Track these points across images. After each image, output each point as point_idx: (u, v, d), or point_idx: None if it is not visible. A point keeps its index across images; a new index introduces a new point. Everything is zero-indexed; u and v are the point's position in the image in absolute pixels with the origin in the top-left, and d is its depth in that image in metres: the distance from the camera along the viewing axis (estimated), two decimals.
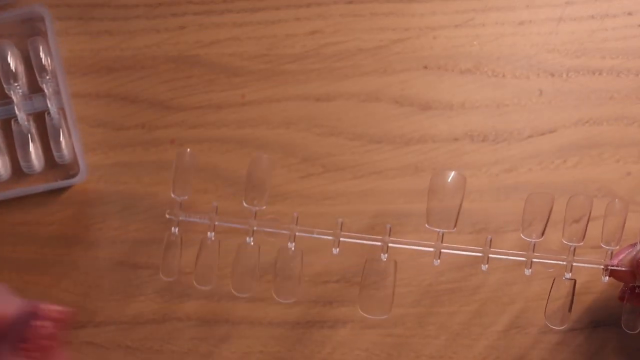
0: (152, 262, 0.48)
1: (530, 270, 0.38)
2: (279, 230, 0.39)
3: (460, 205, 0.38)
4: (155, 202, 0.48)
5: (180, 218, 0.39)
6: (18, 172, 0.48)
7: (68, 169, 0.48)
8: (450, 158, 0.48)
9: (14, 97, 0.47)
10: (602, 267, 0.39)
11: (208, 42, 0.49)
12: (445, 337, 0.47)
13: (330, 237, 0.39)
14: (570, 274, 0.38)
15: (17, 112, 0.47)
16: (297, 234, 0.39)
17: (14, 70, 0.47)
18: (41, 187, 0.47)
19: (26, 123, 0.47)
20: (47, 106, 0.47)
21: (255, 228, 0.39)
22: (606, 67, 0.48)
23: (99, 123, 0.49)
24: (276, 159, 0.48)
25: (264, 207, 0.39)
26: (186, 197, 0.39)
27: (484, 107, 0.48)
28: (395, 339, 0.47)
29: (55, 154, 0.47)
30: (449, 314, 0.47)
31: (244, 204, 0.39)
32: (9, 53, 0.47)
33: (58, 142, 0.47)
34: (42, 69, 0.47)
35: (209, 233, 0.39)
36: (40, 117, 0.48)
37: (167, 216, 0.39)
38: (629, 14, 0.48)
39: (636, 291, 0.40)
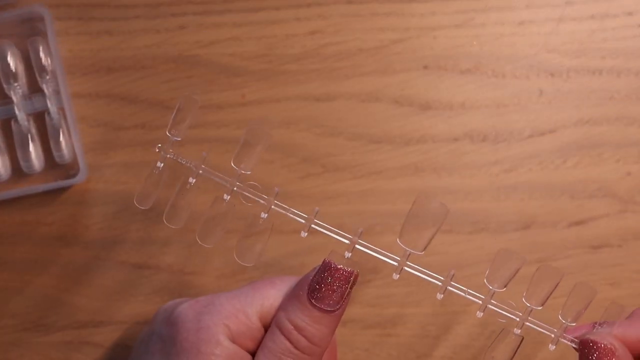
0: (152, 262, 0.48)
1: (482, 313, 0.39)
2: (256, 197, 0.40)
3: (435, 233, 0.38)
4: (155, 202, 0.48)
5: (168, 155, 0.40)
6: (18, 172, 0.48)
7: (68, 169, 0.48)
8: (450, 158, 0.48)
9: (13, 97, 0.47)
10: (552, 335, 0.39)
11: (208, 42, 0.49)
12: (445, 337, 0.47)
13: (302, 221, 0.39)
14: (519, 331, 0.39)
15: (17, 112, 0.47)
16: (272, 207, 0.39)
17: (14, 70, 0.47)
18: (41, 187, 0.47)
19: (26, 123, 0.47)
20: (47, 106, 0.47)
21: (235, 188, 0.40)
22: (606, 67, 0.48)
23: (99, 123, 0.49)
24: (276, 159, 0.48)
25: (249, 172, 0.40)
26: (179, 139, 0.40)
27: (484, 107, 0.48)
28: (395, 339, 0.47)
29: (55, 154, 0.47)
30: (449, 314, 0.47)
31: (232, 163, 0.39)
32: (9, 53, 0.47)
33: (58, 142, 0.47)
34: (42, 69, 0.47)
35: (190, 178, 0.40)
36: (40, 117, 0.48)
37: (157, 150, 0.40)
38: (629, 14, 0.48)
39: None
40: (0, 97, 0.48)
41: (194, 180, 0.40)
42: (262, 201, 0.40)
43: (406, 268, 0.39)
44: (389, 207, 0.48)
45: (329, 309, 0.38)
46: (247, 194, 0.40)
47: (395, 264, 0.39)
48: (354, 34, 0.48)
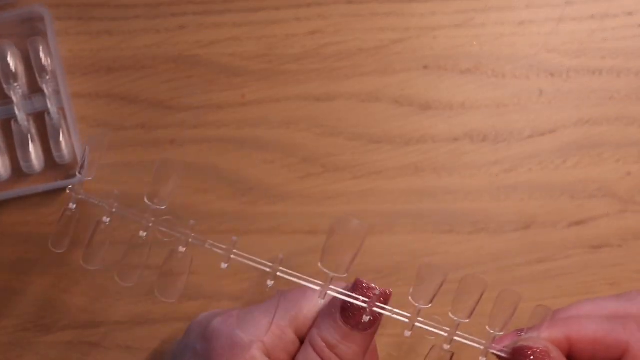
0: (152, 262, 0.48)
1: (410, 332, 0.39)
2: (172, 232, 0.39)
3: (356, 255, 0.38)
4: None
5: (80, 196, 0.40)
6: (18, 172, 0.48)
7: (68, 169, 0.48)
8: (450, 158, 0.48)
9: (13, 97, 0.47)
10: (482, 347, 0.39)
11: (208, 42, 0.49)
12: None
13: (220, 252, 0.39)
14: (449, 346, 0.39)
15: (17, 112, 0.47)
16: (190, 240, 0.39)
17: (14, 70, 0.47)
18: (41, 187, 0.47)
19: (26, 123, 0.47)
20: (47, 106, 0.47)
21: (150, 224, 0.39)
22: (606, 67, 0.48)
23: (99, 123, 0.49)
24: (276, 159, 0.48)
25: (163, 208, 0.39)
26: (90, 178, 0.40)
27: (484, 107, 0.48)
28: (395, 339, 0.47)
29: (55, 154, 0.47)
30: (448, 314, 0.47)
31: (145, 199, 0.39)
32: (9, 53, 0.47)
33: (58, 142, 0.47)
34: (42, 69, 0.47)
35: (104, 217, 0.40)
36: (40, 117, 0.48)
37: (67, 191, 0.40)
38: (629, 14, 0.48)
39: None
40: (0, 97, 0.48)
41: (109, 219, 0.40)
42: (178, 235, 0.39)
43: (330, 292, 0.38)
44: (389, 207, 0.48)
45: (360, 327, 0.38)
46: (163, 229, 0.40)
47: (318, 288, 0.38)
48: (354, 34, 0.48)
